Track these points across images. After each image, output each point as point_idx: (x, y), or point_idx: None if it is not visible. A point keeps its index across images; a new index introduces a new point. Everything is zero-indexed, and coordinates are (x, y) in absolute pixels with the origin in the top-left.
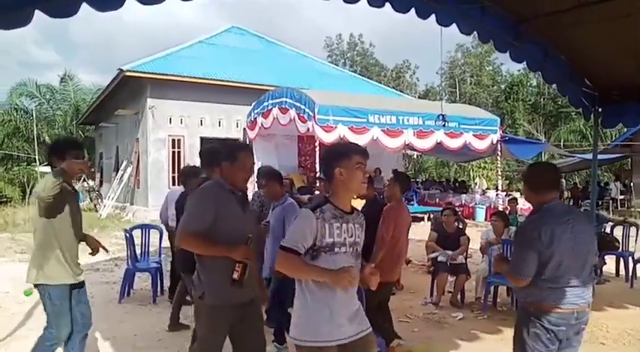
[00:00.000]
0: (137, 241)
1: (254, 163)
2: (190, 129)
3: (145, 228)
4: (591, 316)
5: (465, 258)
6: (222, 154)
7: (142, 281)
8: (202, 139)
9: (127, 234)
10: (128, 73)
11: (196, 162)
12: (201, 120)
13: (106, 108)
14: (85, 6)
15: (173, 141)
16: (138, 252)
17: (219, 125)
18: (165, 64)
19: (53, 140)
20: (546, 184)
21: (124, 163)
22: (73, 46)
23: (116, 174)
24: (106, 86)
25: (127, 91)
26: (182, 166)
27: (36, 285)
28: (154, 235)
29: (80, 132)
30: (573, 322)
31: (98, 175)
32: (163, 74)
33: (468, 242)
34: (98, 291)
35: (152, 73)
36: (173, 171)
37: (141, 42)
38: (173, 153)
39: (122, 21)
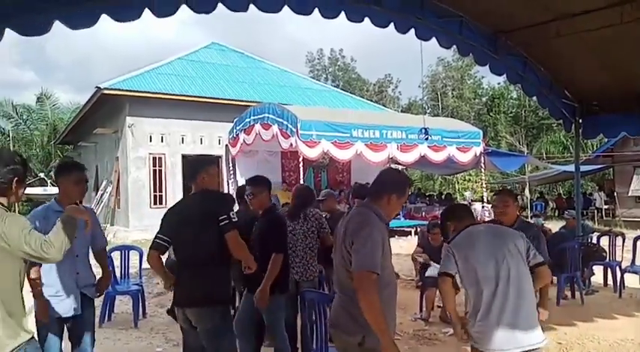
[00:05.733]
0: (116, 263)
1: None
2: (171, 146)
3: (125, 249)
4: (581, 328)
5: None
6: (390, 184)
7: (123, 305)
8: (184, 157)
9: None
10: (106, 91)
11: (178, 180)
12: (183, 138)
13: (84, 127)
14: (58, 24)
15: (154, 159)
16: (118, 274)
17: (201, 142)
18: (144, 81)
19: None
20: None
21: (104, 183)
22: (50, 65)
23: (95, 194)
24: (83, 105)
25: (105, 110)
26: (165, 183)
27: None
28: (134, 256)
29: (59, 152)
30: None
31: None
32: (142, 91)
33: None
34: None
35: (131, 91)
36: (154, 190)
37: (119, 60)
38: (154, 171)
39: (99, 39)
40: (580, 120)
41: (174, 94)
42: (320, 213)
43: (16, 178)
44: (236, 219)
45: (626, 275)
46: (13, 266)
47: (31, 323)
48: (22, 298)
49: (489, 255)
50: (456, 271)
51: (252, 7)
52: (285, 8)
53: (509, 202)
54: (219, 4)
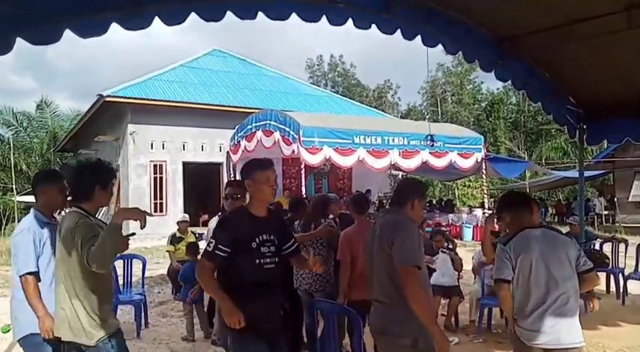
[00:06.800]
0: (119, 271)
1: None
2: (172, 154)
3: (127, 258)
4: (586, 335)
5: (458, 280)
6: (411, 190)
7: (125, 314)
8: (185, 164)
9: None
10: (108, 99)
11: (178, 187)
12: (184, 145)
13: (85, 135)
14: (67, 32)
15: (155, 166)
16: (120, 283)
17: (202, 149)
18: (146, 88)
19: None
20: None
21: None
22: (50, 72)
23: None
24: (85, 112)
25: (107, 117)
26: (166, 191)
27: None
28: (137, 265)
29: (58, 159)
30: None
31: None
32: (144, 99)
33: (460, 262)
34: None
35: (133, 98)
36: (155, 198)
37: (120, 66)
38: (155, 178)
39: (100, 45)
40: (584, 126)
41: (176, 101)
42: (333, 223)
43: (98, 185)
44: (208, 247)
45: (629, 282)
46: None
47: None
48: (109, 293)
49: (542, 261)
50: (512, 276)
51: (260, 14)
52: (293, 16)
53: (535, 209)
54: (228, 12)
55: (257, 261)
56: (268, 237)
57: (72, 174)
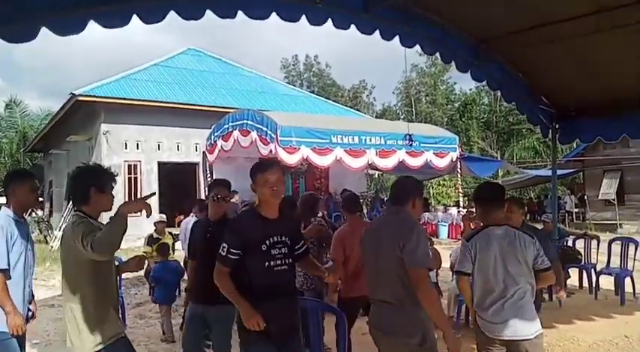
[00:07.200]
0: None
1: None
2: (147, 154)
3: None
4: (560, 329)
5: (436, 277)
6: (411, 189)
7: None
8: (160, 164)
9: None
10: (81, 98)
11: (154, 188)
12: (159, 145)
13: (56, 135)
14: (43, 30)
15: (129, 166)
16: None
17: (178, 149)
18: (120, 87)
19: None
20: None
21: None
22: (18, 70)
23: (67, 204)
24: (56, 112)
25: (79, 116)
26: (140, 192)
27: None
28: None
29: (28, 160)
30: None
31: (48, 205)
32: (118, 98)
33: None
34: (55, 329)
35: (106, 97)
36: (129, 199)
37: (92, 64)
38: (129, 179)
39: (71, 43)
40: (557, 126)
41: (150, 101)
42: (323, 222)
43: (93, 188)
44: (222, 251)
45: (601, 278)
46: (108, 266)
47: None
48: (111, 296)
49: (500, 259)
50: (472, 270)
51: (240, 13)
52: (272, 15)
53: (512, 209)
54: (207, 11)
55: (267, 263)
56: (279, 238)
57: (70, 178)
